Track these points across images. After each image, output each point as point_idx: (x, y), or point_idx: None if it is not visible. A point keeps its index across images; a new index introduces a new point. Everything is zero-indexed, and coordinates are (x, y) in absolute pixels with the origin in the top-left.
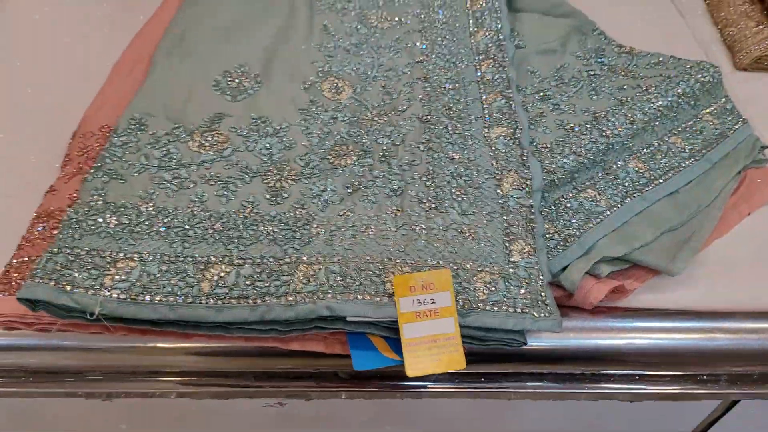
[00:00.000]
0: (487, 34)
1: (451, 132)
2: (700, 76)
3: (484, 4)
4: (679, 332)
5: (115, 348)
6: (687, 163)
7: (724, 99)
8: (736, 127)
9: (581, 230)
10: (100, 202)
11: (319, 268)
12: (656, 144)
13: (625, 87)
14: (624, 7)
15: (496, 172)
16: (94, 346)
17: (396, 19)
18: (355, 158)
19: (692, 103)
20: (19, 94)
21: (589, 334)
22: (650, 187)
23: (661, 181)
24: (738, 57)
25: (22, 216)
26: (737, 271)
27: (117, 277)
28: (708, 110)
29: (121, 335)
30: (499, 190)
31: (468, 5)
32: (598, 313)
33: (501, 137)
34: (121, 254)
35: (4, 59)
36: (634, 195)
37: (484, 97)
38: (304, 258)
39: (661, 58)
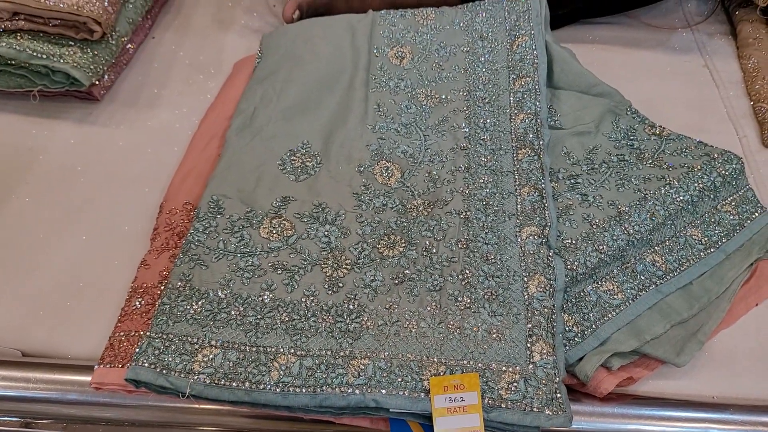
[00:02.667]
0: (526, 118)
1: (486, 231)
2: (722, 169)
3: (525, 85)
4: (680, 421)
5: (192, 409)
6: (703, 254)
7: (745, 189)
8: (754, 216)
9: (598, 323)
10: (187, 289)
11: (368, 363)
12: (674, 236)
13: (650, 178)
14: (661, 76)
15: (524, 274)
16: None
17: (443, 96)
18: (401, 249)
19: (712, 195)
20: (115, 161)
21: (599, 419)
22: (665, 280)
23: (677, 273)
24: (766, 134)
25: (118, 282)
26: (740, 362)
27: (203, 362)
28: (728, 200)
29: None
30: (525, 293)
31: (510, 85)
32: (608, 400)
33: (531, 237)
34: (206, 342)
35: (106, 123)
36: (650, 288)
37: (518, 191)
38: (356, 353)
39: (687, 144)
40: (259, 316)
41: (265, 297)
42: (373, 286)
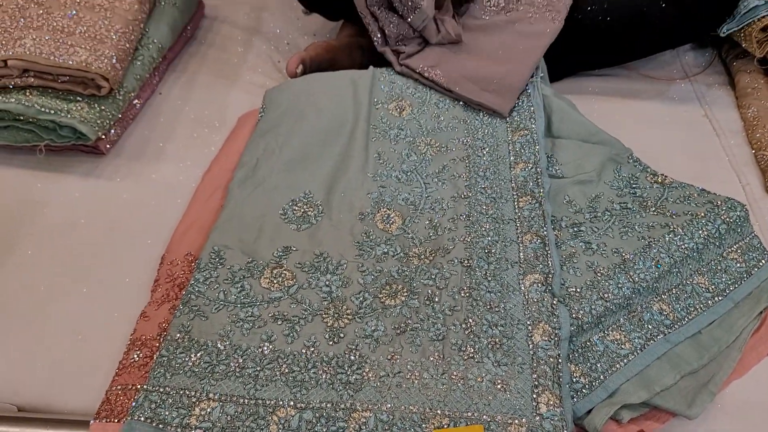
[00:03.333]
0: (525, 167)
1: (489, 279)
2: (726, 216)
3: (524, 136)
4: None
5: None
6: (710, 303)
7: (750, 236)
8: (761, 263)
9: (606, 374)
10: (186, 340)
11: (370, 416)
12: (681, 284)
13: (654, 225)
14: (661, 126)
15: (528, 322)
16: None
17: (442, 145)
18: (403, 298)
19: (718, 243)
20: (119, 215)
21: None
22: (674, 329)
23: (685, 321)
24: None
25: (117, 335)
26: (753, 413)
27: (201, 416)
28: (733, 248)
29: None
30: (530, 342)
31: (509, 137)
32: None
33: (534, 285)
34: (204, 395)
35: (111, 176)
36: (658, 337)
37: (520, 238)
38: (358, 405)
39: (690, 192)
40: (258, 368)
41: (265, 348)
42: (375, 336)
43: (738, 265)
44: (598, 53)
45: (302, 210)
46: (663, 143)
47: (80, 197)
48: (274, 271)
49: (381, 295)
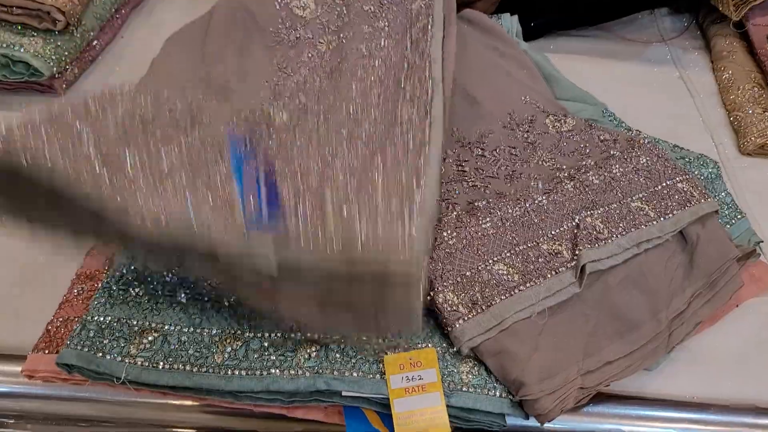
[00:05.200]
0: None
1: None
2: (698, 172)
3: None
4: (659, 421)
5: (137, 403)
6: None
7: (723, 193)
8: (734, 221)
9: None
10: (131, 272)
11: (320, 346)
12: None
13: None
14: (637, 86)
15: None
16: (119, 399)
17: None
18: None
19: None
20: None
21: (576, 418)
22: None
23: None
24: (743, 142)
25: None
26: (721, 363)
27: (141, 346)
28: None
29: (145, 394)
30: None
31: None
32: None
33: None
34: (146, 324)
35: None
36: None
37: None
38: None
39: (663, 148)
40: (206, 299)
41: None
42: None
43: None
44: (575, 12)
45: None
46: (638, 103)
47: None
48: None
49: None
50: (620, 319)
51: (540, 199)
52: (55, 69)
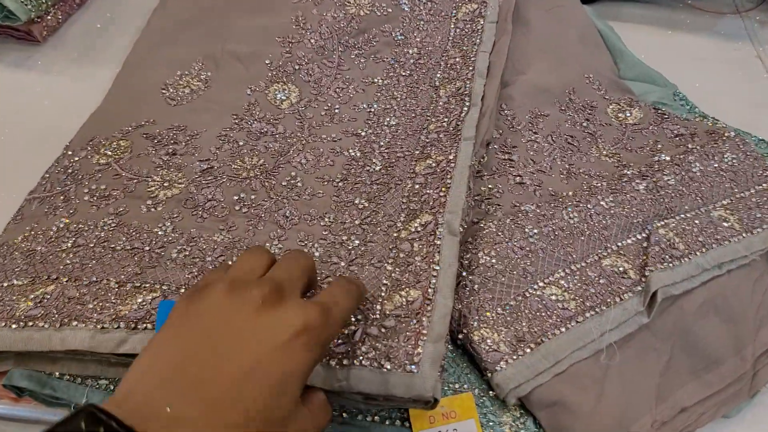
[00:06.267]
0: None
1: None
2: None
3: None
4: None
5: None
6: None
7: None
8: None
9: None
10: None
11: None
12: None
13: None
14: (707, 64)
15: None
16: None
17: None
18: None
19: None
20: (48, 115)
21: None
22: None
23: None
24: None
25: None
26: None
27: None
28: None
29: None
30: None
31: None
32: None
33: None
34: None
35: (46, 70)
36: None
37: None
38: None
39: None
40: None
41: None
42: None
43: None
44: None
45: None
46: (708, 83)
47: (5, 89)
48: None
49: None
50: (698, 355)
51: (605, 201)
52: (33, 13)
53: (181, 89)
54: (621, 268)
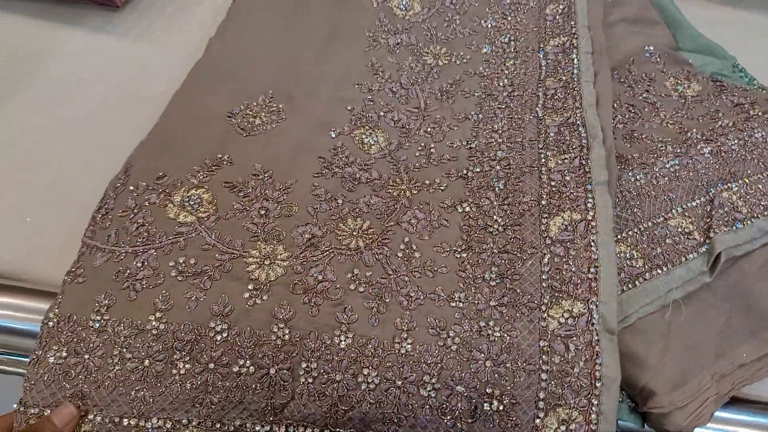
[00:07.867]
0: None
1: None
2: None
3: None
4: None
5: None
6: None
7: None
8: None
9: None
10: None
11: None
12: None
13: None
14: (763, 36)
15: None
16: None
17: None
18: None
19: None
20: (127, 77)
21: None
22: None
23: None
24: None
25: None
26: None
27: None
28: None
29: None
30: None
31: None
32: None
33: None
34: None
35: (124, 34)
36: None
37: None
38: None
39: None
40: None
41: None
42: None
43: None
44: None
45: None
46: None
47: (86, 53)
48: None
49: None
50: (756, 314)
51: (671, 163)
52: None
53: (249, 118)
54: (687, 229)
